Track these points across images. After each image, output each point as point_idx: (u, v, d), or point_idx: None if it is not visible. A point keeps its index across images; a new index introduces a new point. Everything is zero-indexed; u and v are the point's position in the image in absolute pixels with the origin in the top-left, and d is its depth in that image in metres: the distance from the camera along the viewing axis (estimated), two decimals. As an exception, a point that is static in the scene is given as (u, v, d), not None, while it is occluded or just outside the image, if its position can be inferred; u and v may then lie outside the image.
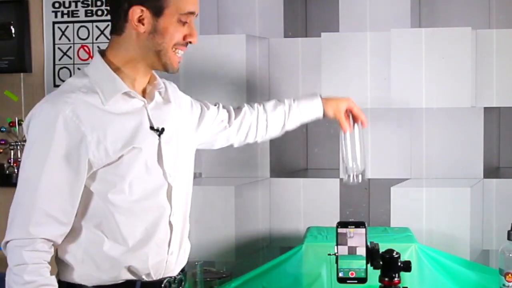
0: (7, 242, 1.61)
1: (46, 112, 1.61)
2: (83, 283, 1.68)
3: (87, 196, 1.65)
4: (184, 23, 1.69)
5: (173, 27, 1.67)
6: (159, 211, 1.73)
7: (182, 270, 1.85)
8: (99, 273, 1.68)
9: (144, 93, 1.77)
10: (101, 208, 1.66)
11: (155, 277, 1.73)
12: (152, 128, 1.72)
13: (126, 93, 1.70)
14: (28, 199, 1.60)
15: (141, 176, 1.69)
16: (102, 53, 1.74)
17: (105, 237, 1.67)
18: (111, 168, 1.65)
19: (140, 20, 1.66)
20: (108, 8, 1.79)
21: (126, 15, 1.67)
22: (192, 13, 1.70)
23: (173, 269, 1.79)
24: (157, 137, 1.73)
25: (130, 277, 1.70)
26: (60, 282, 1.68)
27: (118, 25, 1.70)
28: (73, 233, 1.67)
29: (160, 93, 1.81)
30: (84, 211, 1.66)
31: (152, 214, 1.72)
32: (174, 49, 1.70)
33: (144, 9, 1.65)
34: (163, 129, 1.74)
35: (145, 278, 1.71)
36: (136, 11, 1.65)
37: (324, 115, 2.17)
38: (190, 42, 1.73)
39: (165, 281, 1.75)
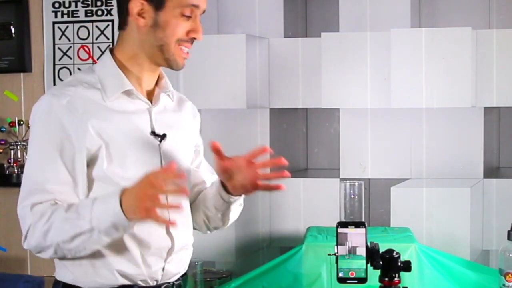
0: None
1: (45, 102, 1.60)
2: (79, 284, 1.63)
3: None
4: (188, 18, 1.62)
5: (175, 20, 1.61)
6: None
7: (183, 275, 1.80)
8: (94, 275, 1.63)
9: (151, 95, 1.72)
10: None
11: (151, 283, 1.68)
12: (153, 133, 1.67)
13: (129, 92, 1.66)
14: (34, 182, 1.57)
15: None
16: (112, 50, 1.70)
17: None
18: (112, 167, 1.60)
19: (140, 14, 1.61)
20: (114, 3, 1.75)
21: (128, 9, 1.62)
22: (196, 6, 1.63)
23: (172, 276, 1.73)
24: (158, 142, 1.67)
25: (124, 281, 1.64)
26: (56, 282, 1.66)
27: (122, 20, 1.67)
28: None
29: (169, 96, 1.76)
30: None
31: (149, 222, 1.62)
32: (177, 44, 1.63)
33: (144, 2, 1.61)
34: (164, 135, 1.68)
35: (141, 283, 1.66)
36: (136, 4, 1.61)
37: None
38: (194, 39, 1.65)
39: (162, 287, 1.70)
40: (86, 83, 1.63)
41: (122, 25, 1.67)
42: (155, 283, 1.68)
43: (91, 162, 1.59)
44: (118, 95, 1.64)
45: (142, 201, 1.45)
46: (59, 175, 1.56)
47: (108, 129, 1.59)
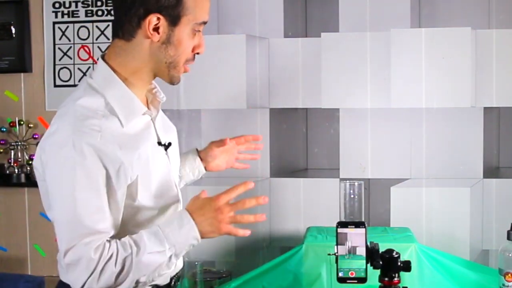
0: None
1: (75, 142, 1.48)
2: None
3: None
4: (195, 33, 1.61)
5: (186, 39, 1.59)
6: None
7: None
8: None
9: (146, 102, 1.69)
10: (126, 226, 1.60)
11: (164, 282, 1.71)
12: (159, 143, 1.66)
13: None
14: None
15: (161, 194, 1.65)
16: (105, 60, 1.62)
17: None
18: (144, 192, 1.60)
19: (156, 29, 1.55)
20: (113, 8, 1.67)
21: (140, 21, 1.55)
22: (206, 23, 1.62)
23: (178, 269, 1.78)
24: (165, 152, 1.68)
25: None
26: (62, 284, 1.62)
27: (127, 30, 1.57)
28: None
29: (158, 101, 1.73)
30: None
31: None
32: (184, 63, 1.63)
33: (160, 17, 1.54)
34: (170, 144, 1.69)
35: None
36: (152, 19, 1.54)
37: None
38: (198, 53, 1.65)
39: (172, 281, 1.74)
40: (99, 110, 1.54)
41: (127, 36, 1.58)
42: (168, 280, 1.72)
43: (128, 194, 1.56)
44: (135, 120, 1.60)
45: (222, 224, 1.60)
46: (105, 214, 1.51)
47: (137, 159, 1.56)
